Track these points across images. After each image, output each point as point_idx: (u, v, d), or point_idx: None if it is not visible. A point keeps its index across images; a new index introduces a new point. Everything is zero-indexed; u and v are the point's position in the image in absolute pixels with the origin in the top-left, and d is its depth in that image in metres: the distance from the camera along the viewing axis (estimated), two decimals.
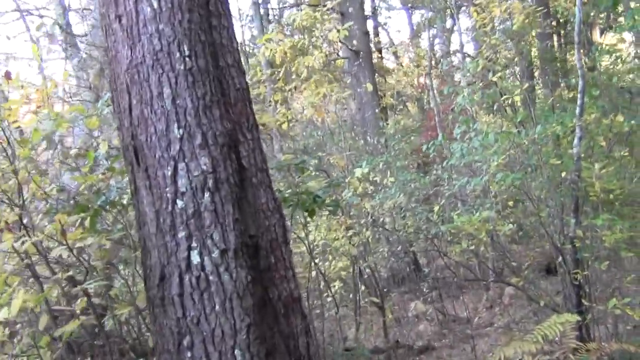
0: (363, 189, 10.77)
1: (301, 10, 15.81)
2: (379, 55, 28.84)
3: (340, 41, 15.03)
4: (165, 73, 3.84)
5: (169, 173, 3.75)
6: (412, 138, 17.14)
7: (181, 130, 3.77)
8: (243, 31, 26.21)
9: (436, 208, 10.60)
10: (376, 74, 22.01)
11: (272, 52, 10.98)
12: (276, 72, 11.90)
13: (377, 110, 16.62)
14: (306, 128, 16.60)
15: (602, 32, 21.94)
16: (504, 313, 11.80)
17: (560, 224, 8.96)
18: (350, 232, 10.42)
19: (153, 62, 3.86)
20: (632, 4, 14.97)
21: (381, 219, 12.14)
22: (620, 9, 17.59)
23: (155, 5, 3.92)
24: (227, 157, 3.84)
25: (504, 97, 9.70)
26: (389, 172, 11.48)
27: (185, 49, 3.87)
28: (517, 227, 10.77)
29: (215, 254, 3.69)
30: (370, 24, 29.29)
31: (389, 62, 29.70)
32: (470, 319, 11.78)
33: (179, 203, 3.73)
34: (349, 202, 10.25)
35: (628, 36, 16.34)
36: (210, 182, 3.73)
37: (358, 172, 10.32)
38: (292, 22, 12.76)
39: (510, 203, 10.45)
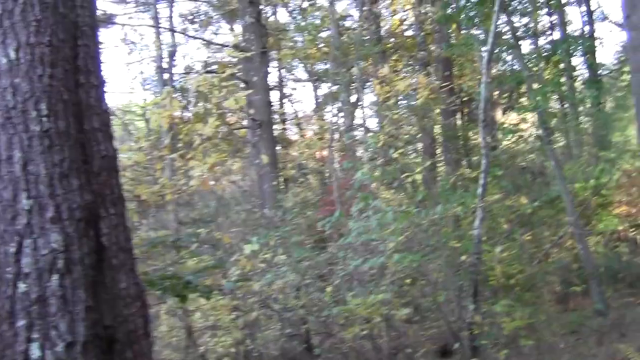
0: (252, 267, 10.28)
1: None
2: (283, 127, 28.68)
3: (241, 110, 14.72)
4: (17, 134, 3.31)
5: (12, 250, 3.21)
6: (310, 212, 16.83)
7: (31, 201, 3.24)
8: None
9: (329, 288, 10.19)
10: (278, 145, 21.75)
11: (159, 117, 10.51)
12: (161, 139, 11.46)
13: (275, 182, 16.27)
14: (203, 198, 16.10)
15: (504, 111, 22.32)
16: None
17: (458, 308, 8.67)
18: (234, 314, 9.92)
19: (4, 121, 3.33)
20: (535, 85, 15.18)
21: (273, 296, 11.69)
22: (523, 89, 17.91)
23: (12, 55, 3.40)
24: (84, 234, 3.32)
25: (405, 174, 9.45)
26: (280, 250, 11.06)
27: (44, 107, 3.35)
28: (415, 306, 10.48)
29: (60, 347, 3.14)
30: (275, 95, 29.30)
31: (293, 133, 29.64)
32: None
33: (21, 286, 3.18)
34: (226, 287, 9.74)
35: (530, 116, 16.57)
36: (60, 263, 3.20)
37: (248, 248, 9.85)
38: (188, 87, 12.40)
39: (408, 281, 10.16)
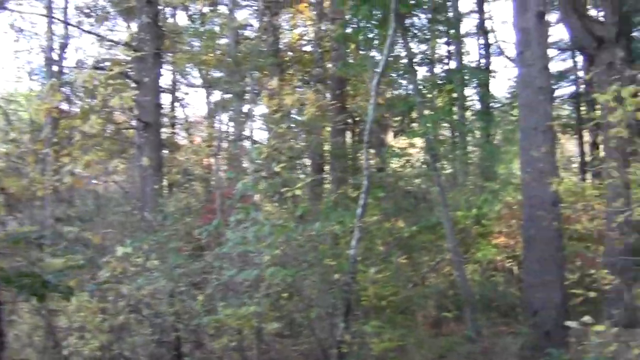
0: (123, 270, 10.03)
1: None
2: (172, 130, 28.30)
3: (129, 110, 14.42)
4: None
5: None
6: (190, 219, 16.60)
7: None
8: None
9: (200, 297, 10.03)
10: (165, 149, 21.44)
11: (38, 109, 10.17)
12: (39, 132, 11.09)
13: (158, 186, 15.96)
14: (83, 196, 15.69)
15: (395, 135, 22.61)
16: None
17: (329, 326, 8.66)
18: (101, 317, 9.63)
19: None
20: (426, 112, 15.42)
21: (145, 301, 11.44)
22: (414, 114, 18.16)
23: None
24: None
25: (285, 189, 9.39)
26: (154, 254, 10.83)
27: None
28: (288, 321, 10.42)
29: None
30: (167, 98, 28.89)
31: (181, 138, 29.26)
32: None
33: None
34: (89, 289, 9.47)
35: (419, 141, 16.81)
36: None
37: (120, 250, 9.61)
38: (74, 81, 12.05)
39: (285, 295, 10.10)
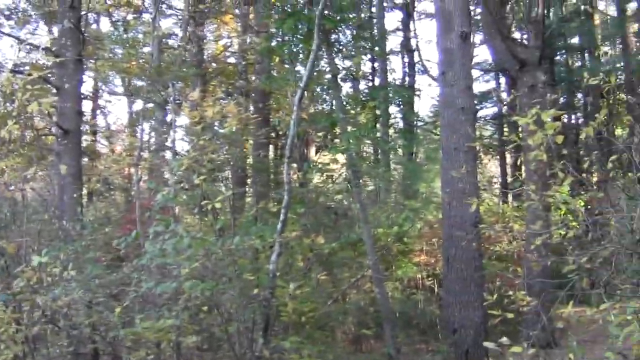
0: (38, 280, 9.82)
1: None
2: (92, 138, 27.93)
3: (49, 116, 14.17)
4: None
5: None
6: (109, 229, 16.37)
7: None
8: None
9: (118, 309, 9.89)
10: (85, 157, 21.14)
11: None
12: None
13: (77, 194, 15.69)
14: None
15: (317, 150, 22.69)
16: None
17: (248, 341, 8.66)
18: (15, 328, 9.42)
19: None
20: (349, 128, 15.53)
21: (64, 312, 11.22)
22: (337, 130, 18.27)
23: None
24: None
25: (205, 201, 9.32)
26: (71, 264, 10.64)
27: None
28: (207, 335, 10.36)
29: None
30: (88, 105, 28.48)
31: (102, 146, 28.89)
32: None
33: None
34: (4, 298, 9.26)
35: (341, 157, 16.91)
36: None
37: (36, 260, 9.40)
38: None
39: (205, 309, 10.04)
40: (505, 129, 29.48)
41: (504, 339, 5.28)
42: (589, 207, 6.04)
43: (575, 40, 28.88)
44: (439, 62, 13.78)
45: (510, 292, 9.23)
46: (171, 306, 9.61)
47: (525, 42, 17.90)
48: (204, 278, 8.77)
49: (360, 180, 15.91)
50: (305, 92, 12.25)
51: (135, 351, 9.16)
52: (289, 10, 16.35)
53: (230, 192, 10.08)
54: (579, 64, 30.04)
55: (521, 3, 20.71)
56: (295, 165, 17.45)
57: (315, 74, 15.21)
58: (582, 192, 6.43)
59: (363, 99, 22.87)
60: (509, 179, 27.58)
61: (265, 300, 8.59)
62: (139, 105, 28.28)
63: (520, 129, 16.90)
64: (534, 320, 11.56)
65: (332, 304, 12.44)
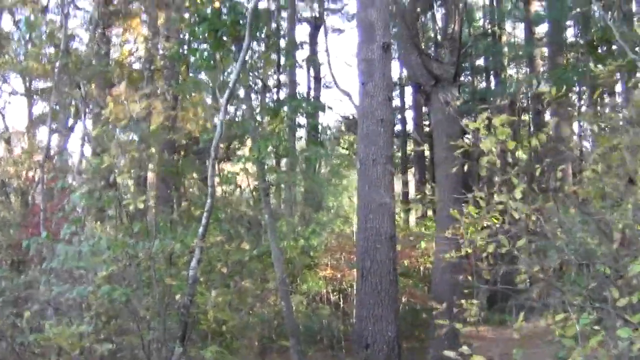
0: None
1: None
2: None
3: None
4: None
5: None
6: (11, 232, 15.63)
7: None
8: None
9: (26, 314, 9.29)
10: None
11: None
12: None
13: None
14: None
15: (220, 161, 22.33)
16: None
17: (164, 349, 8.21)
18: None
19: None
20: (258, 138, 15.24)
21: None
22: (245, 139, 17.98)
23: None
24: None
25: (126, 201, 8.82)
26: None
27: None
28: (122, 342, 9.84)
29: None
30: None
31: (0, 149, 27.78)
32: None
33: None
34: None
35: (250, 167, 16.60)
36: None
37: None
38: None
39: (119, 315, 9.52)
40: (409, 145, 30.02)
41: (465, 348, 4.99)
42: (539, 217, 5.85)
43: (480, 61, 29.40)
44: (359, 73, 13.55)
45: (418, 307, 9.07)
46: (83, 311, 9.08)
47: (438, 58, 17.93)
48: (121, 282, 8.29)
49: (269, 191, 15.64)
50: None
51: (45, 358, 8.59)
52: (204, 15, 15.99)
53: (143, 197, 9.59)
54: (483, 85, 30.61)
55: (436, 19, 20.89)
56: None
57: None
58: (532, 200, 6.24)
59: (271, 109, 22.64)
60: (413, 194, 27.82)
61: (184, 308, 8.19)
62: (40, 106, 27.46)
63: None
64: (441, 341, 11.41)
65: (244, 315, 12.09)
